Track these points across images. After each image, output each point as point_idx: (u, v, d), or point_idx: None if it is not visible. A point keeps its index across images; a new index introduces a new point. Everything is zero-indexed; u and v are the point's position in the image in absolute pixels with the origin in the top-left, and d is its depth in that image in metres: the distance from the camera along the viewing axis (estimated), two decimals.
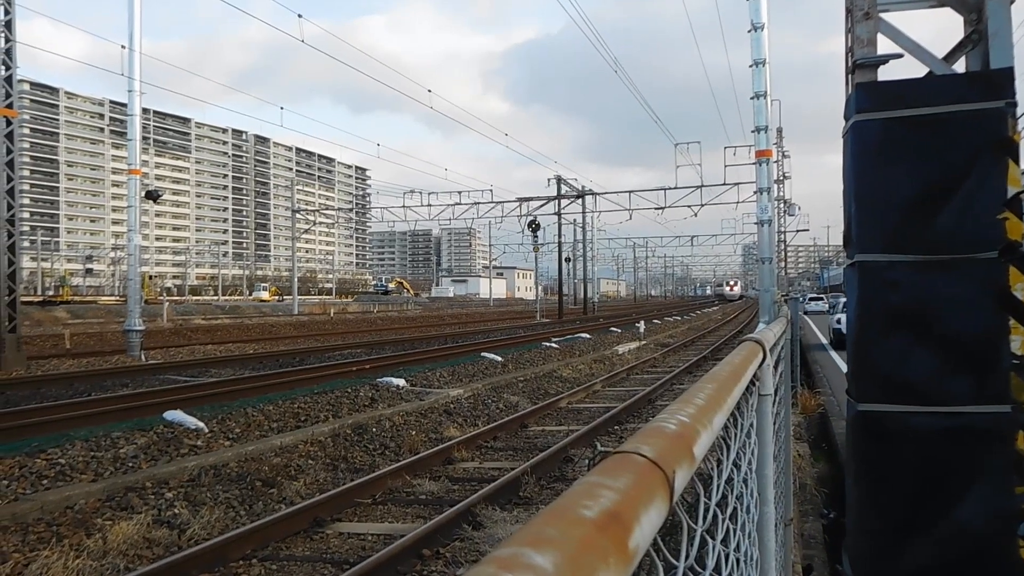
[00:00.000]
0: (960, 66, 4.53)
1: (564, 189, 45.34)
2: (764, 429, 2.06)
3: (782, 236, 48.77)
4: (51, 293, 67.62)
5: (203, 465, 7.37)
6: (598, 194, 47.65)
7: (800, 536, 5.38)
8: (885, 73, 4.46)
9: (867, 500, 4.13)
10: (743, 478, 1.60)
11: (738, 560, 1.45)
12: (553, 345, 20.99)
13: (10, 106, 16.35)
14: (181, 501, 6.38)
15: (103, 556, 5.20)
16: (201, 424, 8.71)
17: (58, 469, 6.88)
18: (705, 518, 1.08)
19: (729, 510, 1.37)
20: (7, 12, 16.23)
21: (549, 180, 44.95)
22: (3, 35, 16.06)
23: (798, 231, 62.76)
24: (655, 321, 36.52)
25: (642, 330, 26.18)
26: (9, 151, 16.33)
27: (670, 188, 41.92)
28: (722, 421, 1.14)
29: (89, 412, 9.45)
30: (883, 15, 4.45)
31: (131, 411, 9.57)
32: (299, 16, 24.72)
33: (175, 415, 8.90)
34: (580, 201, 47.82)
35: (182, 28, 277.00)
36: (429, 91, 31.02)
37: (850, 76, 4.59)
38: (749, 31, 12.50)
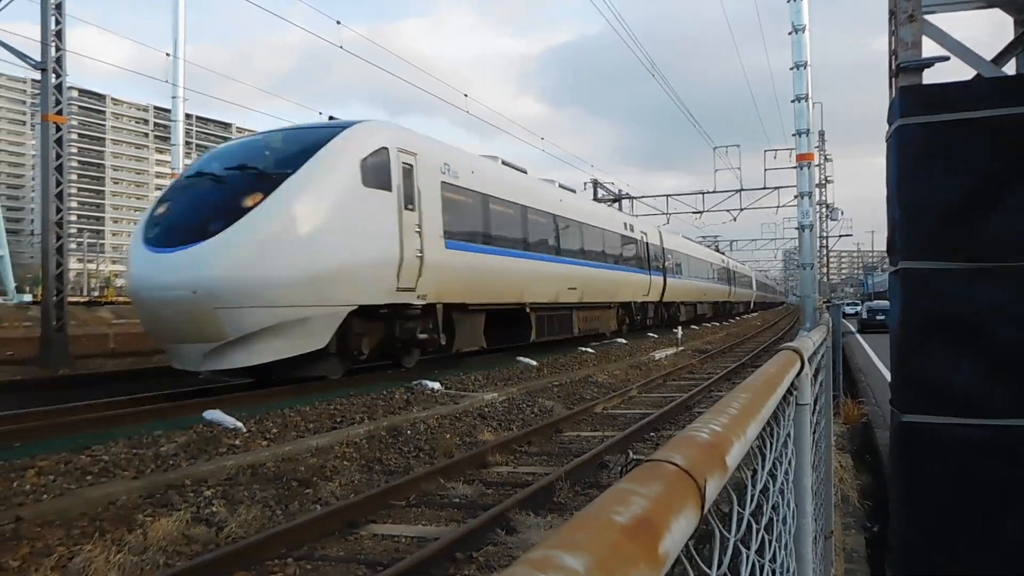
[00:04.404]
0: (1011, 68, 4.42)
1: (600, 193, 45.24)
2: (802, 439, 2.02)
3: (824, 241, 48.03)
4: (96, 294, 69.45)
5: (241, 464, 7.48)
6: (635, 198, 47.40)
7: (842, 550, 5.27)
8: (932, 75, 4.36)
9: (910, 514, 4.04)
10: (779, 488, 1.58)
11: (773, 571, 1.43)
12: (589, 350, 20.91)
13: (59, 113, 16.88)
14: (219, 499, 6.48)
15: (144, 551, 5.32)
16: (239, 424, 8.85)
17: (101, 466, 7.05)
18: (739, 527, 1.07)
19: (764, 520, 1.35)
20: (57, 23, 16.76)
21: (585, 184, 44.92)
22: (54, 44, 16.57)
23: (841, 236, 61.69)
24: (692, 327, 36.17)
25: (680, 336, 25.95)
26: (58, 156, 16.86)
27: (708, 192, 41.57)
28: (756, 431, 1.13)
29: (131, 411, 9.69)
30: (928, 17, 4.36)
31: (172, 410, 9.78)
32: (338, 23, 25.03)
33: (214, 415, 9.06)
34: (617, 205, 47.65)
35: (225, 34, 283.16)
36: (466, 95, 31.08)
37: (894, 79, 4.50)
38: (790, 33, 12.35)
